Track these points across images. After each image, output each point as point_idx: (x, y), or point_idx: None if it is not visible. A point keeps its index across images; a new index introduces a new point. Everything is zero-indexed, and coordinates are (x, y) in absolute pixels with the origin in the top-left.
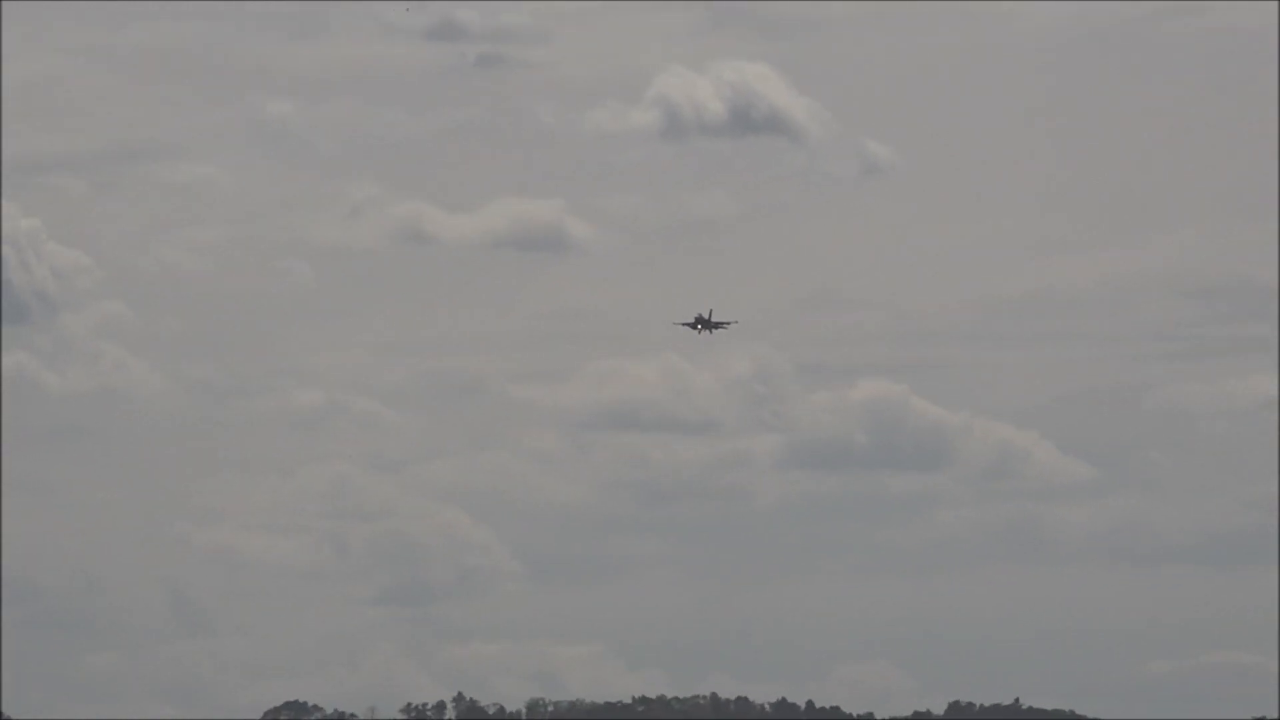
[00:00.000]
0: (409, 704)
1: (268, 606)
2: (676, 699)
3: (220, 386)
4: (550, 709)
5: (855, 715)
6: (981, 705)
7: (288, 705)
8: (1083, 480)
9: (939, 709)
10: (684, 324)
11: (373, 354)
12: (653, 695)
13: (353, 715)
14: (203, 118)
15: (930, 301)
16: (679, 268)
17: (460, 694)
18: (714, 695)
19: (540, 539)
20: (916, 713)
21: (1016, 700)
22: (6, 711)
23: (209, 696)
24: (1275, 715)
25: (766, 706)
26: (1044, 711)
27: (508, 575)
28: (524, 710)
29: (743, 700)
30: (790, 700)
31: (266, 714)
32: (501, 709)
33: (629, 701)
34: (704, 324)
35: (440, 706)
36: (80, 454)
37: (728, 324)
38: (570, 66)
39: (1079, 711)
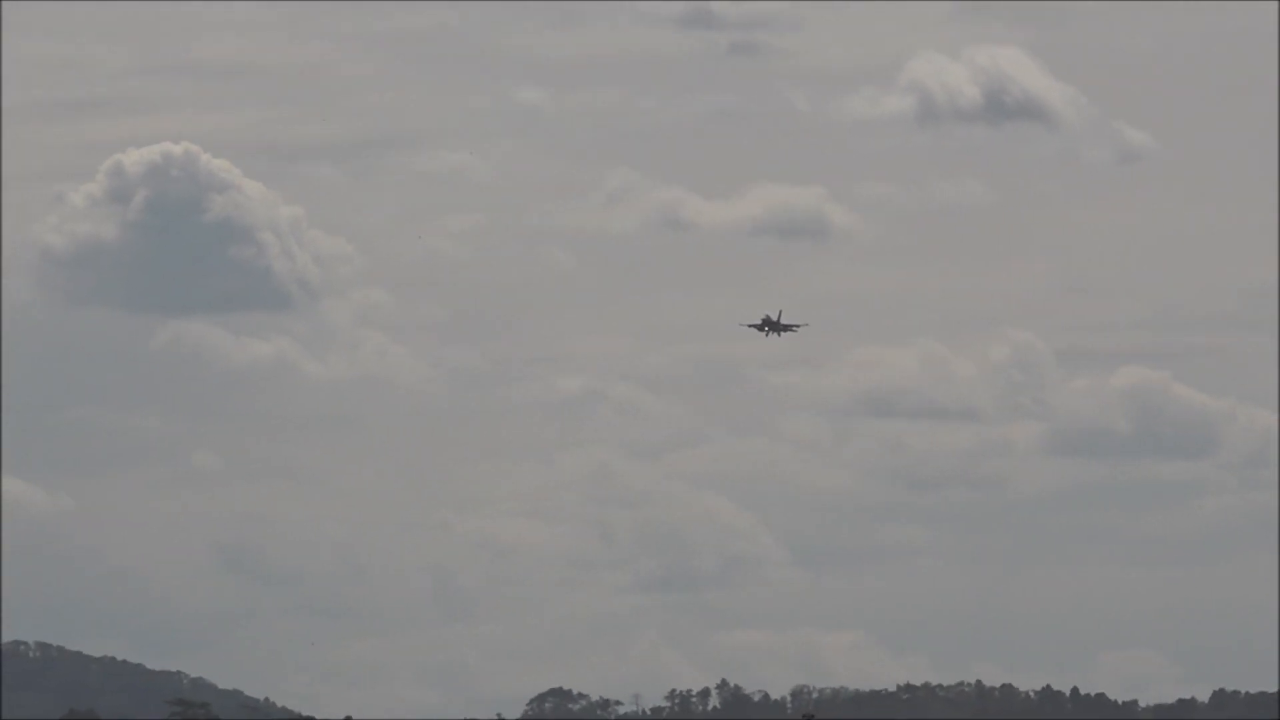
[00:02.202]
0: (673, 691)
1: (530, 593)
2: (941, 687)
3: (481, 373)
4: (815, 696)
5: (1119, 702)
6: (1245, 693)
7: (552, 693)
8: None
9: (1203, 697)
10: (750, 325)
11: (633, 340)
12: (917, 683)
13: (617, 703)
14: (459, 106)
15: (1190, 288)
16: (937, 255)
17: (724, 681)
18: (979, 683)
19: (803, 526)
20: (1180, 700)
21: None
22: (274, 697)
23: (472, 683)
24: None
25: (1031, 694)
26: None
27: (771, 562)
28: (788, 698)
29: (1007, 688)
30: (1055, 688)
31: (530, 701)
32: (766, 696)
33: (893, 689)
34: (771, 326)
35: (704, 694)
36: (341, 442)
37: (797, 326)
38: (823, 53)
39: None
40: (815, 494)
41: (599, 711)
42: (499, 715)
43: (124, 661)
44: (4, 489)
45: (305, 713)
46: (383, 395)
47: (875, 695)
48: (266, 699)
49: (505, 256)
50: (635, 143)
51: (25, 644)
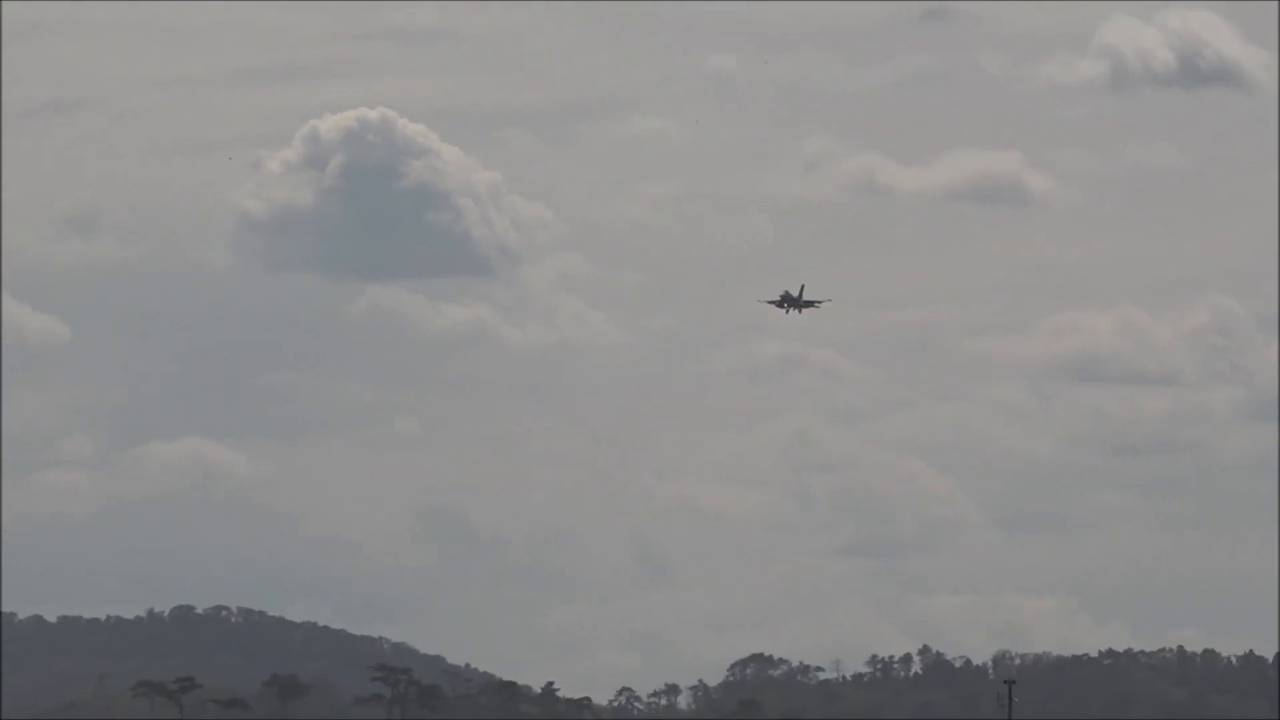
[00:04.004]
0: (874, 656)
1: (731, 559)
2: (1143, 653)
3: (680, 339)
4: (1017, 662)
5: None
6: None
7: (753, 658)
8: None
9: None
10: (769, 302)
11: (831, 306)
12: (1119, 649)
13: (818, 669)
14: (651, 72)
15: None
16: (1134, 221)
17: (926, 646)
18: (1180, 649)
19: (1002, 491)
20: None
21: None
22: (475, 663)
23: (674, 649)
24: None
25: (1233, 660)
26: None
27: (972, 527)
28: (990, 663)
29: (1209, 653)
30: (1258, 653)
31: (731, 667)
32: (968, 661)
33: (1095, 655)
34: (791, 302)
35: (906, 659)
36: (541, 408)
37: (819, 302)
38: (1015, 18)
39: None
40: (1015, 459)
41: (800, 677)
42: (700, 681)
43: (325, 627)
44: (204, 453)
45: (507, 678)
46: (581, 361)
47: (1077, 661)
48: (468, 665)
49: (703, 222)
50: (830, 109)
51: (228, 609)
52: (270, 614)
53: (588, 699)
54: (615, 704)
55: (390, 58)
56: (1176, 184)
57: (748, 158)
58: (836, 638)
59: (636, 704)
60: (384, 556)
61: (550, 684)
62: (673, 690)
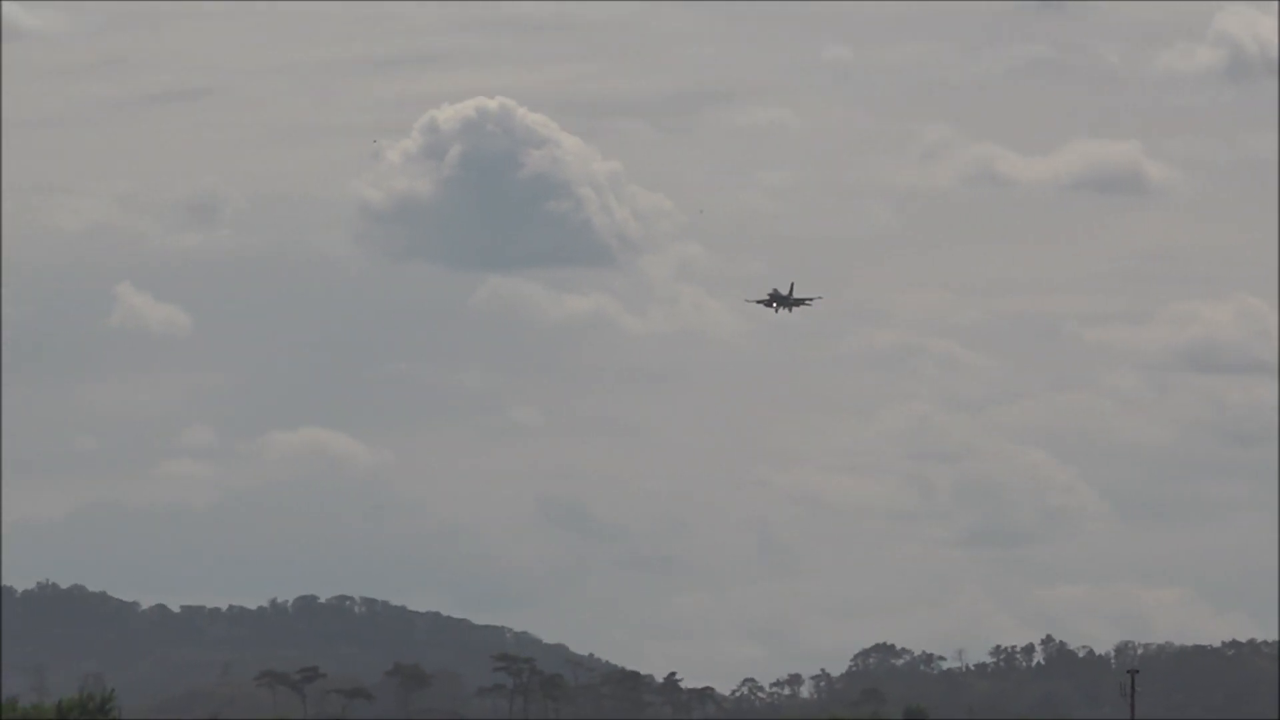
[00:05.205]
0: (997, 646)
1: (852, 548)
2: (1265, 643)
3: (799, 328)
4: (1140, 652)
5: None
6: None
7: (876, 648)
8: None
9: None
10: (757, 301)
11: (950, 295)
12: (1241, 639)
13: (941, 658)
14: (768, 62)
15: None
16: (1254, 209)
17: (1049, 636)
18: None
19: (1124, 480)
20: None
21: None
22: (598, 652)
23: (796, 638)
24: None
25: None
26: None
27: (1094, 516)
28: (1113, 653)
29: None
30: None
31: (854, 657)
32: (1090, 652)
33: (1218, 646)
34: (780, 301)
35: (1029, 650)
36: (661, 396)
37: (810, 300)
38: (1132, 6)
39: None
40: (1135, 448)
41: (922, 666)
42: (823, 670)
43: (448, 617)
44: (324, 443)
45: (630, 667)
46: (701, 349)
47: (1199, 651)
48: (591, 654)
49: (822, 211)
50: (946, 97)
51: (351, 599)
52: (393, 604)
53: (710, 689)
54: (738, 694)
55: (509, 47)
56: None
57: (865, 147)
58: (959, 627)
59: (759, 694)
60: (506, 546)
61: (673, 674)
62: (795, 680)
